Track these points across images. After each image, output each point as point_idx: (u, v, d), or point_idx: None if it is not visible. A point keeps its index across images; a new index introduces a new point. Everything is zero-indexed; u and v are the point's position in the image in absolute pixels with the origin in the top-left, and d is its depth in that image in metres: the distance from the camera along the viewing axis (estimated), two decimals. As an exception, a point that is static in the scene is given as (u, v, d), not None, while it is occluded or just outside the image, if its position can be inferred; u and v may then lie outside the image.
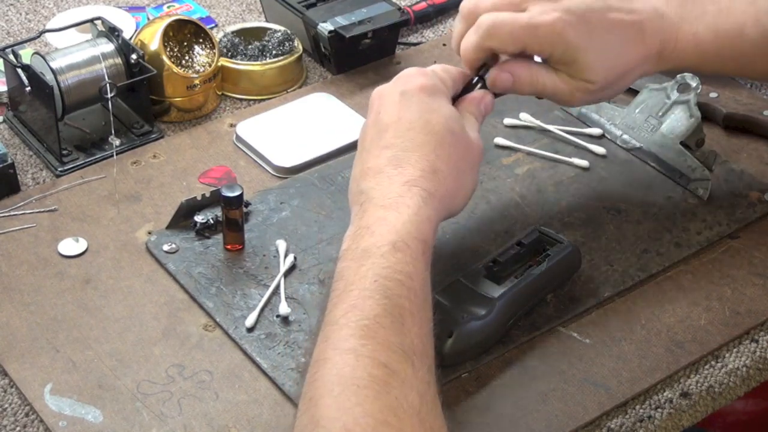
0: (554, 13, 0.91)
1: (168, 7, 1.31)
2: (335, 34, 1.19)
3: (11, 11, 1.32)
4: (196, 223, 0.99)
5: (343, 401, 0.70)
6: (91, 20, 1.13)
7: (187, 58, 1.16)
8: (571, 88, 0.94)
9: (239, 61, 1.19)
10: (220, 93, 1.18)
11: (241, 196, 0.95)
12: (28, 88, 1.08)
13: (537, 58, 0.95)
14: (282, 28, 1.22)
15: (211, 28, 1.25)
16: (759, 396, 1.42)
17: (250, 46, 1.21)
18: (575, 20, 0.91)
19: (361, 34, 1.19)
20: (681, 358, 0.90)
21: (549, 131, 1.13)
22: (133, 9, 1.32)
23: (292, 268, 0.96)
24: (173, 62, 1.13)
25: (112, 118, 1.08)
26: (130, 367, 0.87)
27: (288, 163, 1.08)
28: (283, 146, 1.09)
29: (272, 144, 1.09)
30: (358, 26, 1.19)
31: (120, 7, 1.32)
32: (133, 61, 1.10)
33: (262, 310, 0.92)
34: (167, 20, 1.14)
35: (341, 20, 1.20)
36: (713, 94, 1.16)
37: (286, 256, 0.97)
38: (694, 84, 1.07)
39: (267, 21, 1.29)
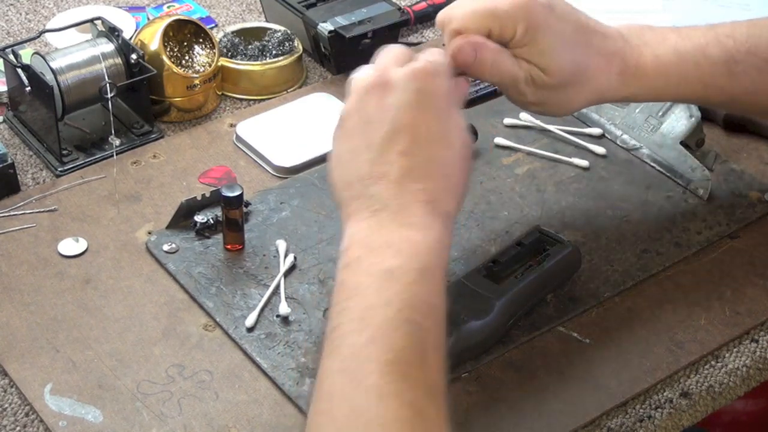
0: None
1: (168, 7, 1.32)
2: (335, 34, 1.19)
3: (11, 11, 1.32)
4: (196, 223, 0.99)
5: None
6: (91, 20, 1.13)
7: (187, 58, 1.16)
8: (526, 75, 0.91)
9: (239, 61, 1.19)
10: (220, 93, 1.18)
11: (241, 196, 0.95)
12: (28, 88, 1.08)
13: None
14: (282, 28, 1.22)
15: (211, 28, 1.25)
16: (759, 396, 1.42)
17: (250, 46, 1.21)
18: (541, 2, 0.90)
19: (361, 34, 1.19)
20: (681, 358, 0.90)
21: (549, 131, 1.13)
22: (133, 9, 1.32)
23: (292, 268, 0.96)
24: (173, 62, 1.13)
25: (112, 118, 1.08)
26: (130, 367, 0.87)
27: (288, 163, 1.08)
28: (283, 146, 1.09)
29: (272, 144, 1.09)
30: (358, 26, 1.19)
31: (120, 7, 1.32)
32: (133, 61, 1.10)
33: (262, 310, 0.92)
34: (167, 20, 1.15)
35: (341, 20, 1.20)
36: (713, 94, 1.15)
37: (286, 256, 0.97)
38: (694, 84, 1.07)
39: (267, 21, 1.29)
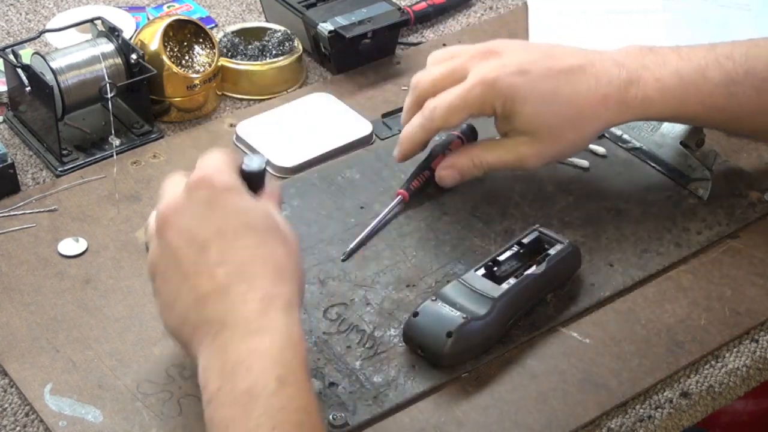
0: (490, 71, 0.95)
1: (168, 7, 1.32)
2: (335, 34, 1.19)
3: (11, 11, 1.32)
4: (196, 223, 0.98)
5: None
6: (91, 20, 1.13)
7: (187, 58, 1.16)
8: (517, 152, 0.98)
9: (239, 61, 1.19)
10: (220, 93, 1.18)
11: (264, 171, 0.84)
12: (28, 88, 1.08)
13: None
14: (282, 28, 1.22)
15: (211, 28, 1.25)
16: (759, 396, 1.42)
17: (250, 46, 1.21)
18: (511, 71, 0.95)
19: (361, 34, 1.19)
20: (681, 358, 0.90)
21: (549, 131, 1.12)
22: (133, 9, 1.32)
23: (292, 268, 0.96)
24: (173, 62, 1.13)
25: (112, 118, 1.08)
26: (130, 367, 0.87)
27: (288, 163, 1.08)
28: (283, 146, 1.09)
29: (272, 144, 1.10)
30: (358, 26, 1.19)
31: (120, 7, 1.32)
32: (133, 61, 1.10)
33: (262, 310, 0.92)
34: (167, 20, 1.15)
35: (341, 20, 1.20)
36: (713, 94, 1.15)
37: (286, 256, 0.97)
38: (694, 84, 1.07)
39: (267, 21, 1.29)
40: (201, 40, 1.17)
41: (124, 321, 0.91)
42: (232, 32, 1.22)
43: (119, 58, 1.10)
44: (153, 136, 1.12)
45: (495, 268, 0.91)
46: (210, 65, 1.15)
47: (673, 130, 1.07)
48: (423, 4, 1.32)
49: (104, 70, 1.09)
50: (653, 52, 0.98)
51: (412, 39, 1.30)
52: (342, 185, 1.05)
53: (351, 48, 1.20)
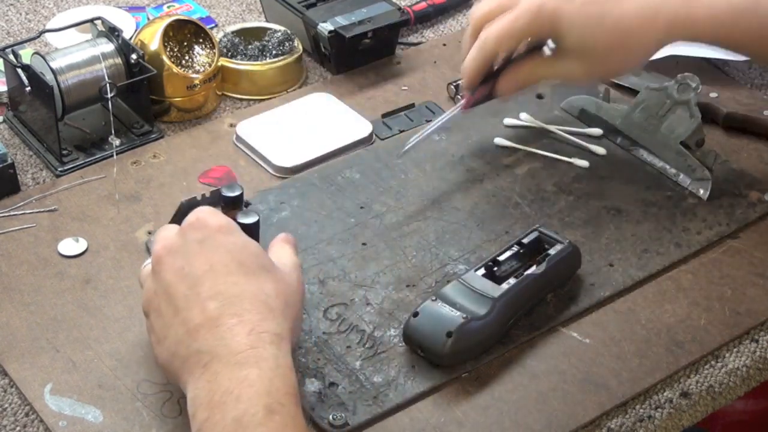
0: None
1: (168, 7, 1.32)
2: (335, 34, 1.19)
3: (11, 11, 1.32)
4: (196, 223, 0.98)
5: None
6: (91, 20, 1.13)
7: (187, 58, 1.16)
8: (568, 69, 1.01)
9: (239, 61, 1.19)
10: (220, 93, 1.18)
11: (241, 196, 0.95)
12: (28, 88, 1.08)
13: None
14: (282, 28, 1.22)
15: (211, 28, 1.25)
16: (759, 396, 1.42)
17: (250, 46, 1.21)
18: None
19: (361, 34, 1.19)
20: (681, 358, 0.90)
21: (549, 131, 1.12)
22: (133, 9, 1.32)
23: (292, 268, 0.96)
24: (173, 62, 1.13)
25: (112, 118, 1.08)
26: (130, 367, 0.87)
27: (288, 163, 1.08)
28: (283, 146, 1.09)
29: (272, 144, 1.10)
30: (358, 26, 1.19)
31: (120, 7, 1.32)
32: (133, 61, 1.10)
33: (262, 310, 0.92)
34: (167, 20, 1.15)
35: (341, 20, 1.20)
36: (713, 94, 1.16)
37: (286, 256, 0.97)
38: (694, 84, 1.07)
39: (267, 21, 1.29)
40: (201, 40, 1.17)
41: (124, 321, 0.91)
42: (232, 32, 1.22)
43: (119, 58, 1.10)
44: (153, 136, 1.12)
45: (495, 268, 0.91)
46: (210, 65, 1.15)
47: (673, 130, 1.07)
48: (423, 4, 1.32)
49: (104, 70, 1.09)
50: None
51: (412, 39, 1.30)
52: (342, 185, 1.05)
53: (351, 48, 1.20)
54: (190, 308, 0.78)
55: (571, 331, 0.91)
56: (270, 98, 1.18)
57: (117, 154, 1.08)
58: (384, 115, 1.15)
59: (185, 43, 1.16)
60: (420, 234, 1.00)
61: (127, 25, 1.27)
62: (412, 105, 1.17)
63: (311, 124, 1.13)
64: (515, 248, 0.93)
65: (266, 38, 1.22)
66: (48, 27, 1.27)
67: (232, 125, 1.13)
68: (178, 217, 0.99)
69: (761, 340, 0.92)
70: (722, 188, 1.06)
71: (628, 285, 0.96)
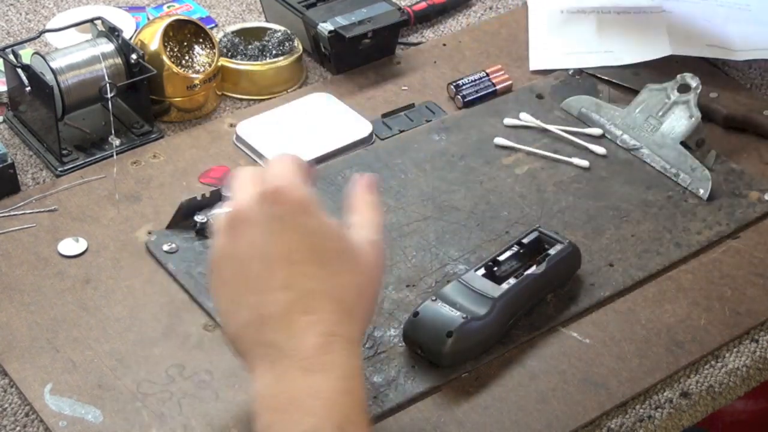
0: None
1: (168, 7, 1.31)
2: (335, 34, 1.19)
3: (11, 11, 1.32)
4: (196, 223, 0.99)
5: None
6: (91, 20, 1.13)
7: (187, 58, 1.16)
8: None
9: (239, 61, 1.19)
10: (220, 93, 1.18)
11: None
12: (28, 88, 1.08)
13: None
14: (282, 28, 1.22)
15: (211, 28, 1.25)
16: (759, 396, 1.42)
17: (250, 46, 1.21)
18: None
19: (361, 34, 1.19)
20: (681, 358, 0.90)
21: (549, 131, 1.12)
22: (133, 9, 1.32)
23: (292, 268, 0.96)
24: (173, 62, 1.13)
25: (112, 118, 1.08)
26: (130, 367, 0.87)
27: (288, 163, 1.08)
28: (283, 146, 1.09)
29: (272, 144, 1.09)
30: (358, 26, 1.19)
31: (120, 7, 1.32)
32: (133, 61, 1.10)
33: (262, 310, 0.92)
34: (167, 20, 1.15)
35: (341, 20, 1.20)
36: (713, 94, 1.16)
37: (286, 256, 0.97)
38: (694, 84, 1.07)
39: (267, 21, 1.29)
40: (201, 40, 1.17)
41: (124, 321, 0.91)
42: (232, 32, 1.22)
43: (119, 58, 1.10)
44: (153, 136, 1.12)
45: (495, 268, 0.91)
46: (210, 65, 1.15)
47: (673, 130, 1.07)
48: (423, 4, 1.32)
49: (104, 70, 1.09)
50: None
51: (412, 39, 1.30)
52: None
53: (351, 48, 1.20)
54: (262, 293, 0.73)
55: (571, 331, 0.91)
56: (270, 98, 1.18)
57: (117, 154, 1.08)
58: (384, 115, 1.15)
59: (185, 43, 1.16)
60: (420, 234, 1.00)
61: (127, 25, 1.27)
62: (412, 105, 1.17)
63: (311, 124, 1.13)
64: (515, 248, 0.93)
65: (266, 38, 1.22)
66: (48, 27, 1.27)
67: (232, 125, 1.13)
68: (178, 218, 0.99)
69: (761, 340, 0.92)
70: (722, 188, 1.06)
71: (628, 285, 0.96)
